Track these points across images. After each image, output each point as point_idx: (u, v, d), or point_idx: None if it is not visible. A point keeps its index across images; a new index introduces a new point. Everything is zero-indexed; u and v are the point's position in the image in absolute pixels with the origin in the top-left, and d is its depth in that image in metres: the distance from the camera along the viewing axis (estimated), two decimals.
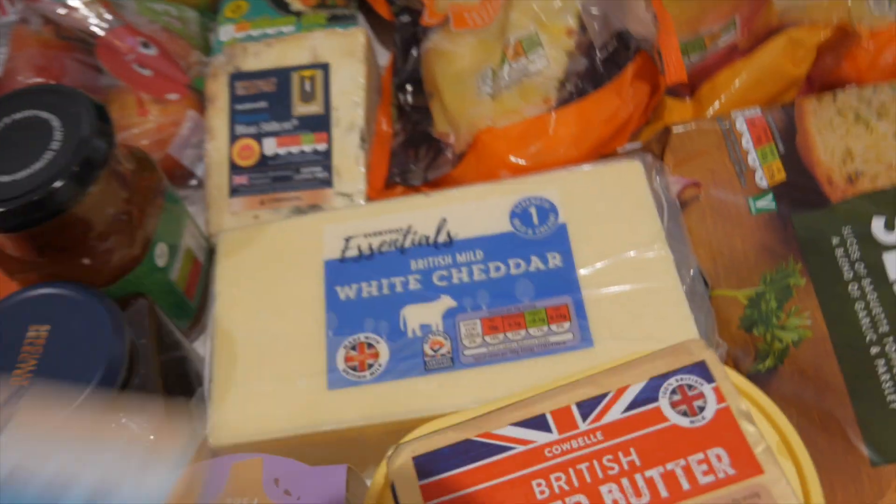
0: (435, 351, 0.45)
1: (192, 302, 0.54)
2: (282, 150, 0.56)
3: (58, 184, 0.42)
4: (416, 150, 0.56)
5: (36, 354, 0.41)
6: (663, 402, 0.32)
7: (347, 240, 0.49)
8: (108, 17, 0.56)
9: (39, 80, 0.52)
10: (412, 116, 0.58)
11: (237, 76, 0.58)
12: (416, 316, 0.46)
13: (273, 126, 0.57)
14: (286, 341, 0.46)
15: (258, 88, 0.58)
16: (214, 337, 0.47)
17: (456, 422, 0.36)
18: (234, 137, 0.57)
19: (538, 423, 0.33)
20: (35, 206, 0.42)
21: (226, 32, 0.62)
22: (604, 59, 0.51)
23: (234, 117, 0.57)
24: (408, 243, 0.49)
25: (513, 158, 0.51)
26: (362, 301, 0.47)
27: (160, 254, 0.49)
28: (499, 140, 0.51)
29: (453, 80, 0.55)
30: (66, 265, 0.46)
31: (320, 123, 0.57)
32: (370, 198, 0.56)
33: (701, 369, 0.33)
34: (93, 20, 0.56)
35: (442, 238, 0.48)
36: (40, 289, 0.44)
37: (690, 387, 0.33)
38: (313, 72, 0.58)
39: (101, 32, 0.56)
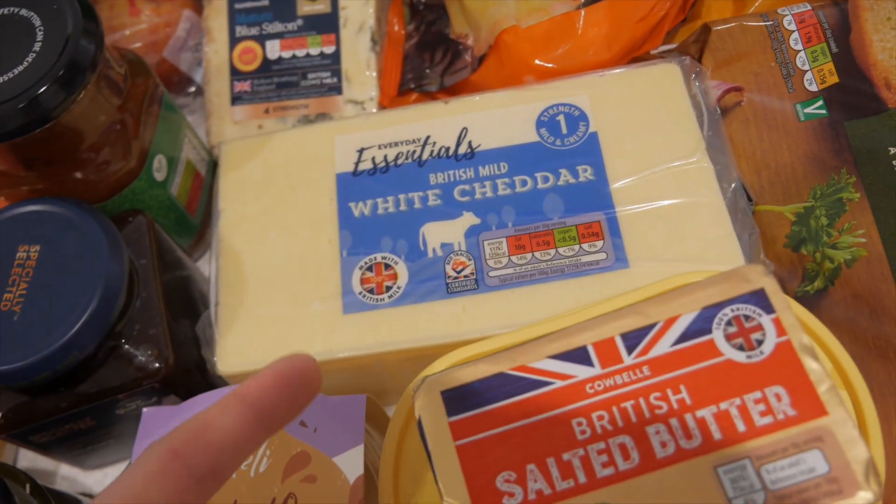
0: (457, 272, 0.42)
1: (193, 218, 0.50)
2: (286, 54, 0.52)
3: (42, 89, 0.38)
4: (431, 53, 0.52)
5: (27, 277, 0.38)
6: (717, 335, 0.29)
7: (360, 151, 0.46)
8: None
9: None
10: (426, 16, 0.54)
11: None
12: (437, 234, 0.43)
13: (276, 27, 0.52)
14: (297, 262, 0.43)
15: None
16: (219, 257, 0.44)
17: (486, 351, 0.34)
18: (234, 40, 0.53)
19: (579, 355, 0.30)
20: (18, 113, 0.38)
21: None
22: None
23: (234, 17, 0.53)
24: (426, 155, 0.45)
25: (538, 61, 0.47)
26: (378, 218, 0.44)
27: (158, 166, 0.46)
28: (523, 41, 0.47)
29: None
30: (56, 180, 0.43)
31: (327, 24, 0.52)
32: (383, 105, 0.52)
33: (759, 298, 0.30)
34: None
35: (463, 149, 0.45)
36: (29, 205, 0.40)
37: (747, 318, 0.30)
38: None
39: None
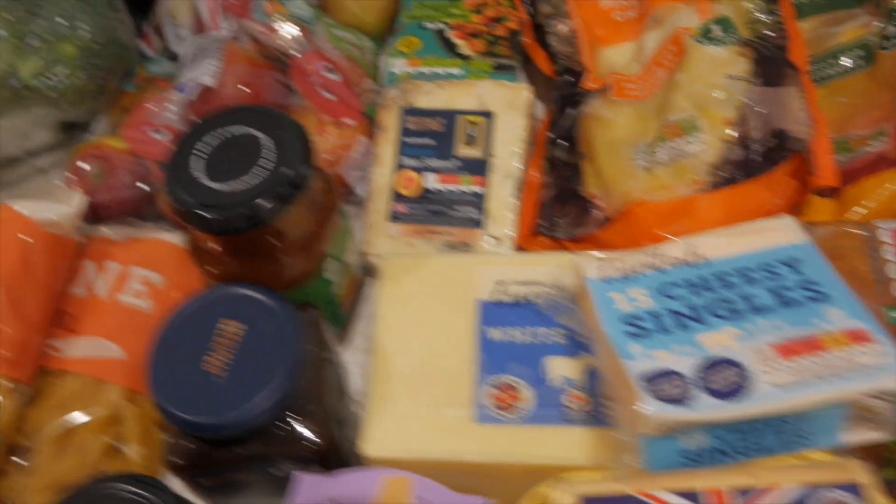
0: (574, 404, 0.49)
1: (345, 314, 0.59)
2: (441, 187, 0.61)
3: (263, 201, 0.47)
4: (562, 205, 0.61)
5: (230, 348, 0.46)
6: None
7: (500, 284, 0.54)
8: (303, 41, 0.62)
9: (246, 91, 0.57)
10: (562, 171, 0.62)
11: (409, 111, 0.63)
12: (559, 368, 0.50)
13: (436, 163, 0.62)
14: (438, 370, 0.51)
15: (426, 126, 0.63)
16: (374, 354, 0.52)
17: (614, 473, 0.41)
18: (398, 167, 0.62)
19: (690, 497, 0.37)
20: (240, 217, 0.47)
21: (399, 66, 0.67)
22: (759, 153, 0.54)
23: (402, 149, 0.62)
24: (554, 296, 0.53)
25: (659, 233, 0.55)
26: (509, 345, 0.51)
27: (329, 268, 0.55)
28: (650, 214, 0.55)
29: (609, 147, 0.59)
30: (250, 268, 0.52)
31: (479, 167, 0.61)
32: (517, 243, 0.60)
33: (854, 490, 0.37)
34: (290, 43, 0.61)
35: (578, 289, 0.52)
36: (238, 288, 0.49)
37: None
38: (479, 118, 0.62)
39: (296, 54, 0.61)
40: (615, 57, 0.64)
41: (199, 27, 0.63)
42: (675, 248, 0.49)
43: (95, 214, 0.61)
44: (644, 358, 0.43)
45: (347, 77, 0.64)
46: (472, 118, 0.62)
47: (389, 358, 0.52)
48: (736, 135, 0.55)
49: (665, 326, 0.44)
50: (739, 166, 0.55)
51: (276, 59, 0.60)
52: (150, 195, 0.63)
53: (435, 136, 0.62)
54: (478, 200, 0.61)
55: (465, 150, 0.62)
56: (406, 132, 0.63)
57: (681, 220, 0.55)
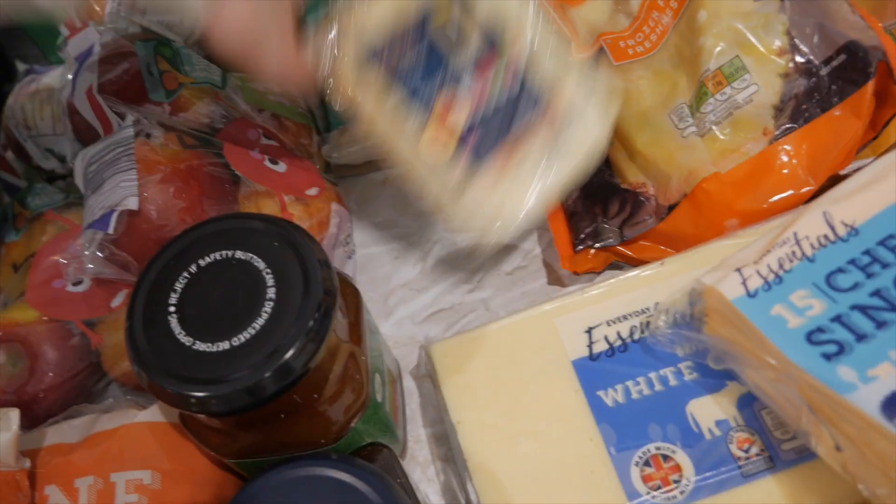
0: (745, 451, 0.38)
1: (399, 427, 0.46)
2: None
3: (291, 359, 0.34)
4: (603, 206, 0.49)
5: None
6: None
7: (589, 332, 0.42)
8: (221, 110, 0.47)
9: (179, 203, 0.43)
10: None
11: None
12: (708, 412, 0.40)
13: None
14: (560, 467, 0.39)
15: None
16: (473, 476, 0.40)
17: None
18: None
19: None
20: (262, 387, 0.34)
21: None
22: (830, 76, 0.44)
23: None
24: (661, 325, 0.42)
25: (740, 205, 0.45)
26: (635, 404, 0.40)
27: (378, 387, 0.42)
28: (725, 186, 0.45)
29: (639, 122, 0.48)
30: (282, 431, 0.38)
31: None
32: (564, 268, 0.49)
33: None
34: (207, 116, 0.47)
35: (698, 310, 0.42)
36: (296, 470, 0.35)
37: None
38: None
39: (220, 125, 0.47)
40: (591, 15, 0.53)
41: (84, 132, 0.47)
42: (811, 225, 0.38)
43: (29, 415, 0.46)
44: (867, 383, 0.32)
45: (287, 137, 0.50)
46: None
47: (493, 474, 0.40)
48: (793, 64, 0.45)
49: (862, 330, 0.34)
50: (810, 97, 0.45)
51: (203, 144, 0.45)
52: (93, 365, 0.47)
53: None
54: None
55: None
56: None
57: (763, 181, 0.45)
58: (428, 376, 0.46)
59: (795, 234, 0.38)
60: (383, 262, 0.53)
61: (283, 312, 0.35)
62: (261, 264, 0.36)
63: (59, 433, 0.45)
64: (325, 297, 0.35)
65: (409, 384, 0.49)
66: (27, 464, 0.43)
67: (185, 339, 0.35)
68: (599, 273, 0.50)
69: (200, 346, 0.34)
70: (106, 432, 0.44)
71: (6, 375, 0.47)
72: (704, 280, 0.38)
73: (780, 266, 0.37)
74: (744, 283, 0.37)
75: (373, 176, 0.56)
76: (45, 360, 0.47)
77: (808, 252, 0.37)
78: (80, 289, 0.47)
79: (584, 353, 0.42)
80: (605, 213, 0.49)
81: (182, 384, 0.34)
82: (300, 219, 0.48)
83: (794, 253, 0.37)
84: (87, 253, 0.42)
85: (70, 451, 0.44)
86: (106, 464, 0.43)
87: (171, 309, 0.35)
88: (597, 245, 0.49)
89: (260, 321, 0.34)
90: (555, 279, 0.51)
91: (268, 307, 0.35)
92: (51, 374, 0.47)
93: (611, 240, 0.49)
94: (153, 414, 0.44)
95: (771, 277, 0.37)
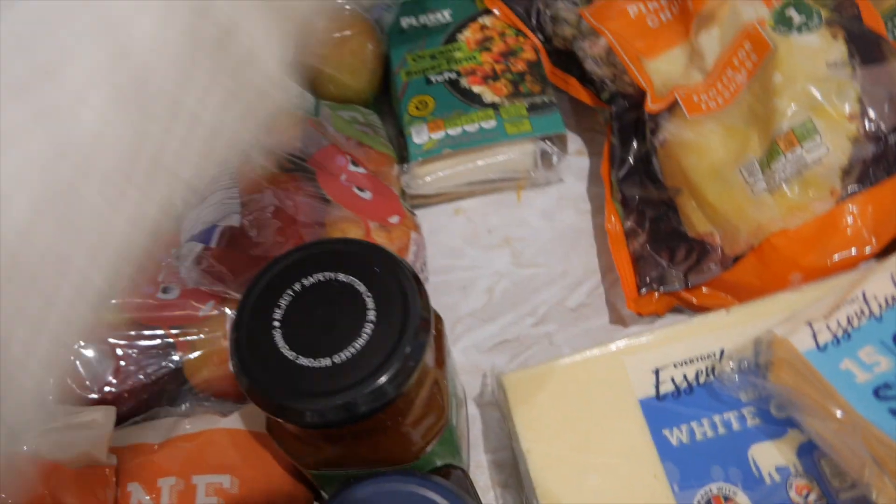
0: (804, 497, 0.40)
1: (464, 450, 0.48)
2: None
3: (388, 381, 0.36)
4: (670, 252, 0.52)
5: None
6: None
7: (656, 372, 0.44)
8: (315, 136, 0.50)
9: (277, 223, 0.45)
10: (646, 212, 0.53)
11: None
12: (769, 457, 0.41)
13: None
14: (626, 501, 0.41)
15: None
16: (539, 499, 0.42)
17: None
18: None
19: None
20: (360, 404, 0.36)
21: (419, 134, 0.56)
22: None
23: None
24: (727, 370, 0.44)
25: (806, 261, 0.47)
26: (700, 445, 0.42)
27: (453, 411, 0.44)
28: (792, 243, 0.47)
29: (710, 175, 0.50)
30: (366, 448, 0.40)
31: None
32: (630, 309, 0.51)
33: None
34: (300, 141, 0.49)
35: (764, 359, 0.44)
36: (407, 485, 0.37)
37: None
38: None
39: (311, 151, 0.49)
40: (666, 67, 0.55)
41: None
42: (879, 285, 0.40)
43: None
44: None
45: (370, 165, 0.53)
46: None
47: (557, 499, 0.42)
48: (863, 129, 0.47)
49: None
50: (878, 162, 0.47)
51: (298, 169, 0.48)
52: (175, 370, 0.50)
53: None
54: None
55: None
56: None
57: (829, 239, 0.47)
58: (494, 404, 0.48)
59: (864, 293, 0.40)
60: (451, 291, 0.55)
61: (382, 335, 0.37)
62: (361, 287, 0.38)
63: (141, 433, 0.47)
64: (422, 324, 0.37)
65: (472, 410, 0.51)
66: (115, 460, 0.45)
67: (289, 353, 0.37)
68: (661, 316, 0.52)
69: (303, 361, 0.37)
70: (188, 435, 0.47)
71: (92, 374, 0.49)
72: (776, 331, 0.40)
73: (850, 323, 0.39)
74: (814, 336, 0.39)
75: (444, 206, 0.58)
76: (129, 362, 0.49)
77: (876, 311, 0.39)
78: (169, 296, 0.49)
79: (651, 392, 0.44)
80: (672, 260, 0.52)
81: (283, 395, 0.36)
82: (385, 244, 0.50)
83: (862, 311, 0.39)
84: (186, 264, 0.44)
85: (153, 452, 0.46)
86: (188, 466, 0.45)
87: (276, 324, 0.38)
88: (662, 289, 0.51)
89: (360, 342, 0.37)
90: (617, 318, 0.53)
91: (368, 329, 0.37)
92: (134, 376, 0.49)
93: (676, 285, 0.51)
94: (234, 421, 0.47)
95: (840, 333, 0.39)
